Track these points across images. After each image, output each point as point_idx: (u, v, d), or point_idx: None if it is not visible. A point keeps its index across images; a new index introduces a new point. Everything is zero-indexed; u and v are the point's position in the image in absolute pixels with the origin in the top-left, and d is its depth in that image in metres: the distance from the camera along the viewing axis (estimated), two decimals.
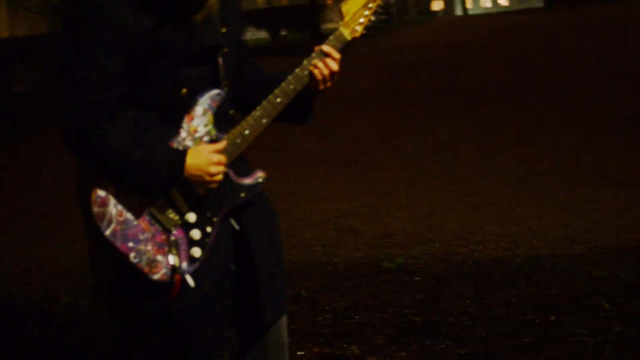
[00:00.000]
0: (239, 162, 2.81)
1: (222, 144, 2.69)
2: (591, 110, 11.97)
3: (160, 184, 2.61)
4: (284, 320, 3.06)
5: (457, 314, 4.76)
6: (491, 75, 15.87)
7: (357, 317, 4.86)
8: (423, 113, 13.26)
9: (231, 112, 2.85)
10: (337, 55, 2.82)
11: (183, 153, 2.63)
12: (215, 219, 2.72)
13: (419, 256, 6.17)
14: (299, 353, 4.36)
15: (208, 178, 2.64)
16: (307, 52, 2.84)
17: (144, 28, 2.56)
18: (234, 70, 2.88)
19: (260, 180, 2.80)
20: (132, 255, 2.64)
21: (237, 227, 2.84)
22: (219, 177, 2.66)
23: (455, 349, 4.27)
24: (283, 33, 32.17)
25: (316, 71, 2.79)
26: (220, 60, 2.75)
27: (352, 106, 13.82)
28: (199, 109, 2.68)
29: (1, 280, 6.65)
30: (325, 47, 2.81)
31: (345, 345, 4.43)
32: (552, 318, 4.64)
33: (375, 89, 14.56)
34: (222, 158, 2.67)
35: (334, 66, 2.81)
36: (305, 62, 2.79)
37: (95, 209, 2.64)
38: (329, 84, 2.84)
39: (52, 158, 12.42)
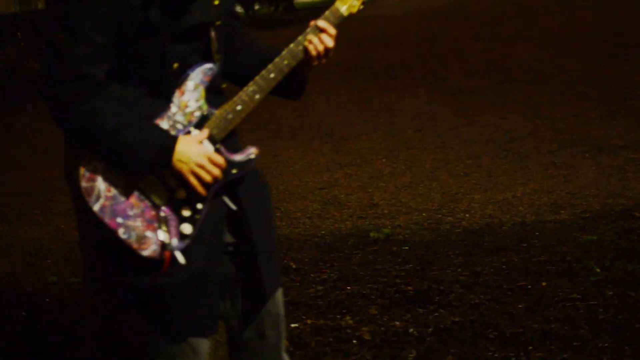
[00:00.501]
0: (230, 138, 2.76)
1: (201, 136, 2.65)
2: (565, 76, 11.95)
3: (146, 167, 2.57)
4: (279, 292, 3.03)
5: (449, 282, 4.76)
6: (464, 45, 15.80)
7: (348, 288, 4.84)
8: (398, 84, 13.18)
9: (223, 85, 2.81)
10: (332, 31, 2.77)
11: (174, 139, 2.58)
12: (208, 196, 2.67)
13: (406, 226, 6.17)
14: (292, 325, 4.33)
15: (196, 169, 2.59)
16: (281, 25, 2.80)
17: (134, 4, 2.50)
18: (226, 42, 2.83)
19: (252, 156, 2.73)
20: (121, 231, 2.60)
21: (232, 205, 2.79)
22: (206, 174, 2.61)
23: (449, 317, 4.26)
24: (256, 7, 32.04)
25: (311, 47, 2.74)
26: (212, 34, 2.70)
27: (326, 79, 13.77)
28: (190, 84, 2.63)
29: None
30: (321, 23, 2.76)
31: (338, 317, 4.41)
32: (544, 284, 4.64)
33: (349, 61, 14.43)
34: (217, 158, 2.62)
35: (329, 42, 2.76)
36: (300, 37, 2.73)
37: (84, 184, 2.60)
38: (323, 60, 2.80)
39: (31, 137, 12.37)
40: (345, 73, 14.05)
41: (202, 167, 2.59)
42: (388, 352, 3.93)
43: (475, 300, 4.46)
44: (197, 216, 2.66)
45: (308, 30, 2.75)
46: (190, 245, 2.67)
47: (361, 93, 12.93)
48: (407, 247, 5.57)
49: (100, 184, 2.60)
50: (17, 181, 9.59)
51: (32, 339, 4.71)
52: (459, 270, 4.96)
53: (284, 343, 3.10)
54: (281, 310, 3.05)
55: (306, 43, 2.74)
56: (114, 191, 2.60)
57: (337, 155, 9.19)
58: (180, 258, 2.64)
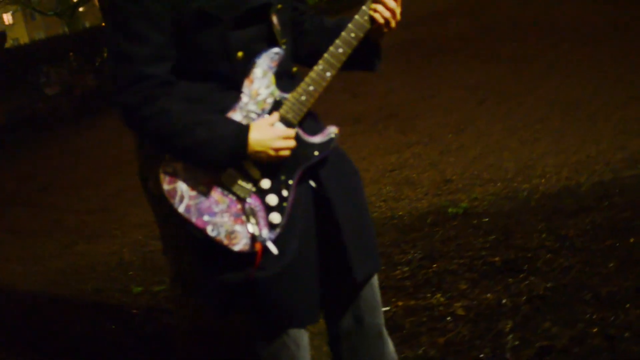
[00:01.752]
0: (308, 120, 2.74)
1: (274, 119, 2.62)
2: (621, 32, 11.74)
3: (225, 161, 2.57)
4: (375, 278, 3.02)
5: (535, 249, 4.71)
6: (515, 12, 15.62)
7: (434, 265, 4.82)
8: (454, 58, 13.09)
9: (294, 69, 2.78)
10: None
11: (246, 128, 2.57)
12: (290, 182, 2.64)
13: (483, 198, 6.12)
14: (384, 309, 4.31)
15: (273, 153, 2.58)
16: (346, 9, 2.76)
17: None
18: (291, 25, 2.82)
19: (332, 136, 2.68)
20: (209, 228, 2.61)
21: (314, 185, 2.77)
22: (286, 152, 2.60)
23: (541, 283, 4.21)
24: None
25: (377, 15, 2.66)
26: (274, 18, 2.67)
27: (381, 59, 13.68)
28: (258, 71, 2.61)
29: (69, 278, 6.70)
30: None
31: (429, 295, 4.40)
32: (632, 240, 4.56)
33: (401, 40, 14.37)
34: (287, 131, 2.61)
35: (393, 4, 2.68)
36: (363, 7, 2.66)
37: (166, 187, 2.62)
38: (392, 24, 2.72)
39: (93, 154, 12.53)
40: (399, 52, 13.98)
41: (279, 148, 2.57)
42: (484, 326, 3.91)
43: (565, 264, 4.41)
44: (285, 204, 2.64)
45: (366, 4, 2.68)
46: (282, 235, 2.65)
47: (418, 70, 12.89)
48: (487, 219, 5.53)
49: (182, 184, 2.61)
50: (90, 198, 9.74)
51: (123, 351, 4.77)
52: (544, 235, 4.91)
53: (384, 327, 3.08)
54: (378, 296, 3.03)
55: (371, 12, 2.67)
56: (196, 190, 2.61)
57: (403, 135, 9.17)
58: (273, 249, 2.63)
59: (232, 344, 3.73)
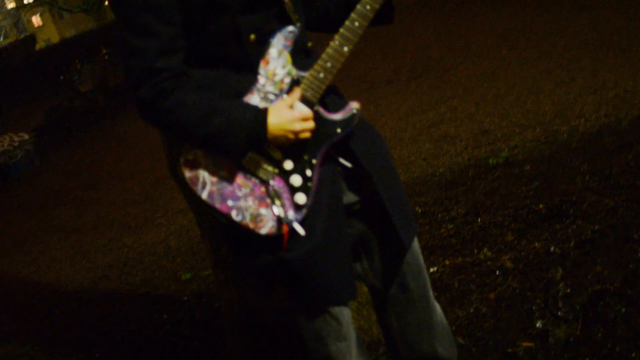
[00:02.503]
0: (329, 97, 2.67)
1: (292, 99, 2.55)
2: None
3: (244, 147, 2.51)
4: (416, 242, 2.96)
5: (580, 191, 4.61)
6: None
7: (479, 220, 4.74)
8: (479, 5, 12.94)
9: (309, 44, 2.72)
10: None
11: (264, 112, 2.51)
12: (314, 161, 2.59)
13: (522, 145, 6.01)
14: (431, 269, 4.27)
15: (292, 136, 2.52)
16: None
17: None
18: (301, 4, 2.75)
19: (354, 111, 2.61)
20: (233, 213, 2.57)
21: (348, 164, 2.72)
22: (306, 134, 2.54)
23: (589, 227, 4.12)
24: None
25: None
26: None
27: (406, 17, 13.55)
28: (273, 51, 2.55)
29: (119, 272, 6.71)
30: None
31: (475, 251, 4.32)
32: None
33: None
34: (306, 112, 2.54)
35: None
36: (347, 22, 2.57)
37: (187, 174, 2.58)
38: None
39: (131, 145, 12.57)
40: (422, 7, 13.84)
41: (299, 131, 2.51)
42: (534, 276, 3.83)
43: (611, 204, 4.30)
44: (309, 183, 2.58)
45: None
46: (309, 215, 2.60)
47: (445, 23, 12.76)
48: (528, 166, 5.42)
49: (203, 171, 2.58)
50: (133, 189, 9.76)
51: (176, 340, 4.76)
52: (587, 177, 4.80)
53: (431, 292, 3.03)
54: (420, 259, 2.98)
55: None
56: (218, 175, 2.57)
57: (437, 90, 9.05)
58: (300, 230, 2.58)
59: (278, 325, 3.70)
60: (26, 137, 13.95)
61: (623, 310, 3.35)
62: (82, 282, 6.84)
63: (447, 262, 4.28)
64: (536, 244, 4.13)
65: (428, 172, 6.23)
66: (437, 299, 3.85)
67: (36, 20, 68.57)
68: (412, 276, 2.94)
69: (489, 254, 4.21)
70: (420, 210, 5.26)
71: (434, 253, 4.48)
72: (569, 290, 3.60)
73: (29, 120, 19.57)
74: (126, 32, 2.46)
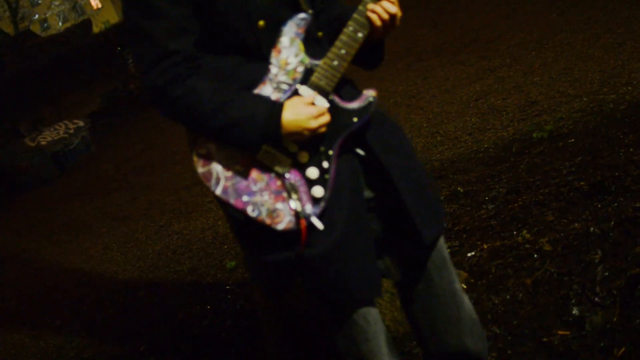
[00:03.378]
0: (343, 86, 2.61)
1: (311, 97, 2.48)
2: None
3: (258, 140, 2.44)
4: (441, 239, 2.87)
5: (623, 166, 4.45)
6: None
7: (520, 199, 4.61)
8: None
9: (319, 34, 2.64)
10: None
11: (279, 107, 2.44)
12: (330, 152, 2.51)
13: (568, 116, 5.86)
14: (469, 254, 4.16)
15: (308, 133, 2.45)
16: None
17: None
18: None
19: (371, 99, 2.53)
20: (249, 209, 2.50)
21: (362, 152, 2.64)
22: (322, 129, 2.47)
23: (630, 204, 3.97)
24: None
25: (374, 17, 2.50)
26: None
27: None
28: (284, 40, 2.48)
29: (168, 260, 6.73)
30: None
31: (515, 233, 4.20)
32: None
33: None
34: (322, 108, 2.46)
35: (393, 9, 2.51)
36: (360, 7, 2.49)
37: (200, 170, 2.53)
38: (390, 29, 2.56)
39: (176, 131, 12.59)
40: None
41: (314, 128, 2.44)
42: (572, 259, 3.71)
43: None
44: (327, 175, 2.51)
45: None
46: (328, 208, 2.53)
47: None
48: (573, 139, 5.27)
49: (217, 166, 2.52)
50: (183, 174, 9.77)
51: (218, 330, 4.74)
52: (631, 150, 4.64)
53: (458, 285, 2.93)
54: (445, 252, 2.89)
55: (368, 13, 2.50)
56: (232, 170, 2.51)
57: (485, 60, 8.89)
58: (318, 224, 2.51)
59: (312, 319, 3.65)
60: (81, 123, 14.06)
61: None
62: (133, 271, 6.87)
63: (485, 246, 4.17)
64: (576, 225, 3.99)
65: (473, 148, 6.11)
66: (474, 285, 3.80)
67: (95, 2, 69.08)
68: (436, 270, 2.86)
69: (527, 236, 4.09)
70: (462, 190, 5.15)
71: (473, 235, 4.38)
72: (607, 274, 3.48)
73: (85, 106, 19.75)
74: (135, 15, 2.42)
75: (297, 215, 2.49)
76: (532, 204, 4.46)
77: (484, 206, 4.72)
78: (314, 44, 2.56)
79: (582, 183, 4.43)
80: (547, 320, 3.38)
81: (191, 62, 2.44)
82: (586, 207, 4.14)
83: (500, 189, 4.88)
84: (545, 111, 6.27)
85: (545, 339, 3.26)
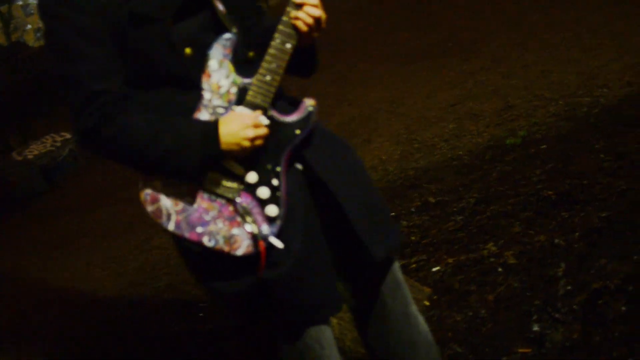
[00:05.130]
0: (281, 100, 2.55)
1: (255, 114, 2.42)
2: None
3: (199, 165, 2.38)
4: (395, 262, 2.81)
5: (592, 173, 4.38)
6: None
7: (488, 210, 4.54)
8: None
9: (250, 54, 2.56)
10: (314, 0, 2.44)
11: (214, 124, 2.38)
12: (278, 169, 2.45)
13: (542, 121, 5.78)
14: (434, 269, 4.09)
15: (247, 143, 2.38)
16: None
17: (114, 2, 2.32)
18: (242, 7, 2.60)
19: (310, 109, 2.47)
20: (205, 239, 2.44)
21: (300, 167, 2.57)
22: (259, 140, 2.40)
23: (596, 213, 3.90)
24: None
25: (299, 23, 2.42)
26: (217, 3, 2.46)
27: None
28: (213, 63, 2.41)
29: (147, 276, 6.66)
30: None
31: (481, 245, 4.13)
32: None
33: None
34: (257, 117, 2.40)
35: (316, 12, 2.43)
36: (284, 17, 2.42)
37: (149, 208, 2.45)
38: (317, 32, 2.49)
39: None
40: None
41: (252, 138, 2.38)
42: (536, 273, 3.64)
43: (622, 187, 4.08)
44: (278, 193, 2.45)
45: (288, 8, 2.43)
46: (285, 227, 2.47)
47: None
48: (545, 145, 5.20)
49: (165, 201, 2.44)
50: None
51: (193, 348, 4.68)
52: (602, 156, 4.57)
53: (413, 307, 2.87)
54: (398, 273, 2.83)
55: (293, 21, 2.43)
56: (181, 203, 2.44)
57: (467, 63, 8.82)
58: (277, 243, 2.45)
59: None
60: (69, 136, 13.93)
61: (623, 309, 3.14)
62: (113, 287, 6.79)
63: (450, 260, 4.10)
64: (542, 237, 3.92)
65: (448, 156, 6.03)
66: (438, 302, 3.73)
67: None
68: (390, 294, 2.80)
69: (493, 249, 4.02)
70: (433, 200, 5.08)
71: (440, 249, 4.31)
72: (569, 288, 3.41)
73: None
74: (60, 61, 2.36)
75: (255, 237, 2.44)
76: (500, 215, 4.39)
77: (453, 218, 4.65)
78: (245, 64, 2.49)
79: (550, 192, 4.37)
80: (508, 337, 3.31)
81: (120, 101, 2.37)
82: (553, 218, 4.08)
83: (470, 199, 4.81)
84: (521, 116, 6.19)
85: (504, 358, 3.19)
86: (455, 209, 4.75)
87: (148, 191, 2.45)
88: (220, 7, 2.48)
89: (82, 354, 5.53)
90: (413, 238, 4.57)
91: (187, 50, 2.39)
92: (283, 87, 2.54)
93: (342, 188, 2.59)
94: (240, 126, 2.37)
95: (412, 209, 5.07)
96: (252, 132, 2.38)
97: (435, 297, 3.81)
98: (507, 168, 5.09)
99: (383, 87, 9.33)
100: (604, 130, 4.98)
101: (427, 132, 6.96)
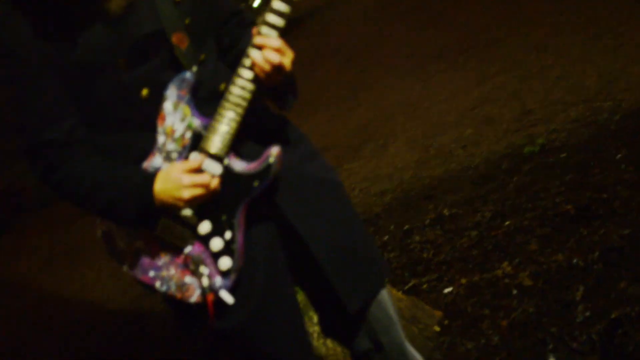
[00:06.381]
0: (244, 144, 2.33)
1: (196, 162, 2.22)
2: None
3: (135, 217, 2.23)
4: (383, 294, 2.61)
5: (612, 186, 4.17)
6: None
7: (504, 225, 4.33)
8: None
9: (222, 86, 2.32)
10: (274, 43, 2.18)
11: (150, 181, 2.20)
12: (234, 221, 2.26)
13: (562, 128, 5.55)
14: (445, 291, 3.90)
15: (181, 204, 2.21)
16: None
17: (58, 50, 2.15)
18: (210, 28, 2.40)
19: (271, 160, 2.25)
20: (157, 284, 2.32)
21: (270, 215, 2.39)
22: (195, 201, 2.22)
23: (617, 231, 3.70)
24: None
25: (257, 69, 2.19)
26: (174, 38, 2.24)
27: None
28: (167, 105, 2.23)
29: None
30: (257, 39, 2.17)
31: (495, 264, 3.93)
32: None
33: None
34: (196, 177, 2.20)
35: (275, 58, 2.16)
36: (244, 58, 2.20)
37: (105, 246, 2.37)
38: (276, 78, 2.23)
39: None
40: None
41: (187, 199, 2.20)
42: (552, 297, 3.44)
43: None
44: (233, 246, 2.27)
45: (248, 48, 2.20)
46: (243, 278, 2.31)
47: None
48: (565, 154, 4.97)
49: (120, 242, 2.33)
50: None
51: None
52: (622, 167, 4.36)
53: (407, 344, 2.71)
54: (390, 310, 2.64)
55: (253, 67, 2.20)
56: (134, 247, 2.31)
57: (484, 64, 8.57)
58: (227, 298, 2.29)
59: None
60: None
61: None
62: (122, 301, 6.67)
63: (463, 281, 3.90)
64: (559, 256, 3.72)
65: (464, 164, 5.81)
66: (449, 327, 3.53)
67: None
68: (383, 332, 2.62)
69: (508, 269, 3.82)
70: (447, 213, 4.88)
71: (452, 267, 4.11)
72: (588, 314, 3.21)
73: None
74: (7, 108, 2.23)
75: (204, 289, 2.28)
76: (517, 231, 4.19)
77: (467, 233, 4.44)
78: (213, 100, 2.26)
79: (569, 207, 4.16)
80: None
81: (66, 149, 2.23)
82: (571, 234, 3.88)
83: (486, 213, 4.60)
84: (540, 121, 5.97)
85: None
86: (470, 224, 4.55)
87: (104, 228, 2.36)
88: (178, 41, 2.25)
89: None
90: (425, 255, 4.38)
91: (144, 92, 2.23)
92: (260, 119, 2.39)
93: (316, 235, 2.42)
94: (174, 186, 2.20)
95: (426, 222, 4.88)
96: (187, 193, 2.20)
97: (446, 322, 3.62)
98: (525, 179, 4.87)
99: (399, 90, 9.12)
100: (625, 139, 4.75)
101: (444, 137, 6.75)
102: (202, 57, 2.31)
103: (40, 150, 2.21)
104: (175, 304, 2.38)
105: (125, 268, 2.35)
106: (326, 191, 2.50)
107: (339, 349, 3.37)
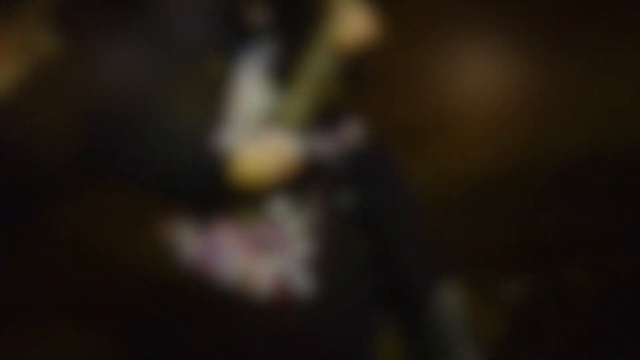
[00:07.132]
0: (326, 121, 2.27)
1: (273, 139, 2.13)
2: None
3: (209, 197, 2.15)
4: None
5: None
6: None
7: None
8: None
9: (301, 61, 2.24)
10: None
11: (225, 158, 2.12)
12: (311, 201, 2.22)
13: None
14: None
15: (258, 182, 2.11)
16: None
17: None
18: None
19: (355, 138, 2.31)
20: (222, 272, 2.22)
21: (349, 202, 2.35)
22: (274, 180, 2.12)
23: None
24: None
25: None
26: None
27: None
28: (243, 78, 2.14)
29: None
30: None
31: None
32: None
33: None
34: (273, 155, 2.10)
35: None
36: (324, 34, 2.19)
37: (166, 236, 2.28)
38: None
39: None
40: None
41: (270, 176, 2.12)
42: None
43: None
44: (310, 229, 2.23)
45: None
46: (317, 267, 2.24)
47: None
48: None
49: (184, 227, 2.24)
50: None
51: None
52: None
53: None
54: (456, 308, 2.64)
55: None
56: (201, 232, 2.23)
57: (555, 54, 8.34)
58: (303, 286, 2.22)
59: None
60: None
61: None
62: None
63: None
64: None
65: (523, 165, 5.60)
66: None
67: None
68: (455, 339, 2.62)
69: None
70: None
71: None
72: None
73: None
74: None
75: (278, 277, 2.21)
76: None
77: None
78: (291, 75, 2.21)
79: None
80: None
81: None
82: None
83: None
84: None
85: None
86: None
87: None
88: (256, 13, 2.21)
89: None
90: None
91: (217, 64, 2.14)
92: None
93: (387, 221, 2.46)
94: (252, 163, 2.10)
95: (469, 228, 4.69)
96: (265, 171, 2.11)
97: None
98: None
99: (451, 80, 9.00)
100: None
101: (500, 135, 6.56)
102: (267, 33, 2.21)
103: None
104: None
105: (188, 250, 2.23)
106: (400, 182, 2.53)
107: None
